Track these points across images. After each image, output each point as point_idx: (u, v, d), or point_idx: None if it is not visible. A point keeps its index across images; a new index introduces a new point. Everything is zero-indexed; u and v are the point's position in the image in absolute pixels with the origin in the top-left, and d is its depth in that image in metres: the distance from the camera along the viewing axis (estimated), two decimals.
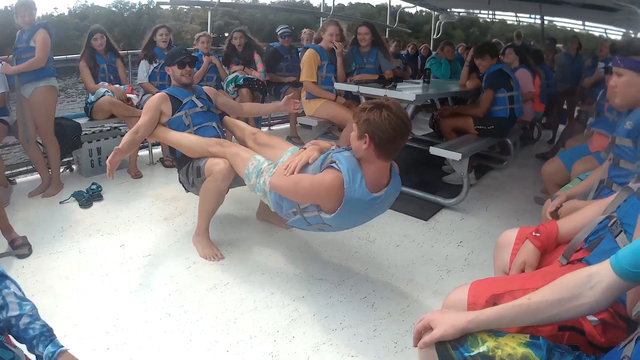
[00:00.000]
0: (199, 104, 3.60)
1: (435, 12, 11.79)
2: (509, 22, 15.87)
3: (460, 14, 12.79)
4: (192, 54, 3.73)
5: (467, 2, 11.06)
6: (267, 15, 27.56)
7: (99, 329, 2.56)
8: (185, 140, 3.41)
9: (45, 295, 2.86)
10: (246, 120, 4.33)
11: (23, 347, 1.58)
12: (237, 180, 3.30)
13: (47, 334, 1.55)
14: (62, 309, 2.73)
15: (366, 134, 2.29)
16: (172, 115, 3.51)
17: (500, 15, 13.25)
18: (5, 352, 1.46)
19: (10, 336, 1.58)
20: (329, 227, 2.65)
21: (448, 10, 11.68)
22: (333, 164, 2.43)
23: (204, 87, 3.88)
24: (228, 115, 3.86)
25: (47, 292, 2.91)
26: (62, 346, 1.55)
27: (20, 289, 1.58)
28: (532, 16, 11.46)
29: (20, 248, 3.40)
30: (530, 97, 5.77)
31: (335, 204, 2.39)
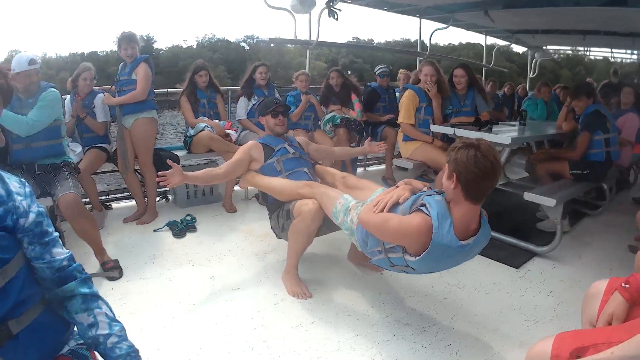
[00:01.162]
0: (291, 150, 3.68)
1: (531, 50, 11.54)
2: (612, 59, 15.26)
3: (557, 51, 12.46)
4: (285, 103, 3.86)
5: (562, 39, 10.79)
6: (385, 55, 27.84)
7: (182, 355, 2.62)
8: (276, 183, 3.48)
9: (131, 318, 2.95)
10: (342, 162, 4.36)
11: None
12: (328, 226, 3.30)
13: (133, 355, 1.60)
14: (147, 333, 2.81)
15: (454, 174, 2.25)
16: (265, 162, 3.60)
17: (597, 52, 12.86)
18: None
19: (96, 352, 1.63)
20: (412, 270, 2.59)
21: (544, 47, 11.42)
22: (423, 207, 2.39)
23: (297, 138, 3.97)
24: (320, 164, 3.92)
25: (133, 315, 3.01)
26: None
27: (111, 310, 1.63)
28: (629, 52, 11.06)
29: (112, 270, 3.55)
30: (630, 144, 5.53)
31: (422, 247, 2.34)
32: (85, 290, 1.56)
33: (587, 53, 13.08)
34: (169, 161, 3.23)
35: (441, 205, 2.35)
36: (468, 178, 2.22)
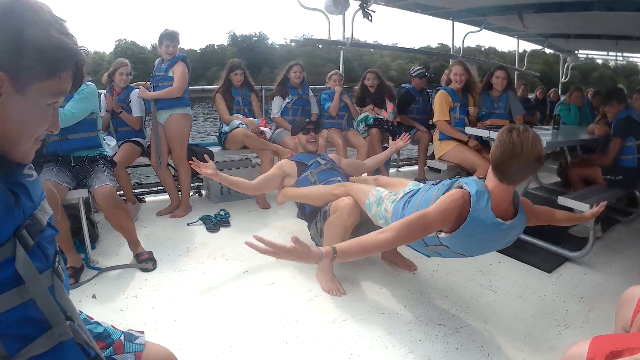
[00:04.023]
0: (323, 162, 3.78)
1: (563, 54, 11.44)
2: None
3: (588, 55, 12.32)
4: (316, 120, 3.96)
5: (594, 44, 10.67)
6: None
7: (215, 347, 2.65)
8: (311, 190, 3.57)
9: (165, 309, 3.03)
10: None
11: None
12: (366, 226, 3.27)
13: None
14: (181, 325, 2.86)
15: (492, 155, 2.31)
16: (299, 177, 3.69)
17: (630, 57, 12.71)
18: (97, 327, 1.49)
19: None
20: (446, 250, 2.57)
21: (575, 52, 11.30)
22: (460, 189, 2.42)
23: (329, 155, 4.07)
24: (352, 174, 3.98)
25: (167, 306, 3.07)
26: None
27: None
28: None
29: (146, 262, 3.61)
30: None
31: (457, 222, 2.34)
32: None
33: (619, 58, 12.90)
34: (206, 156, 3.30)
35: (479, 183, 2.38)
36: (497, 157, 2.26)
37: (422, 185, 3.08)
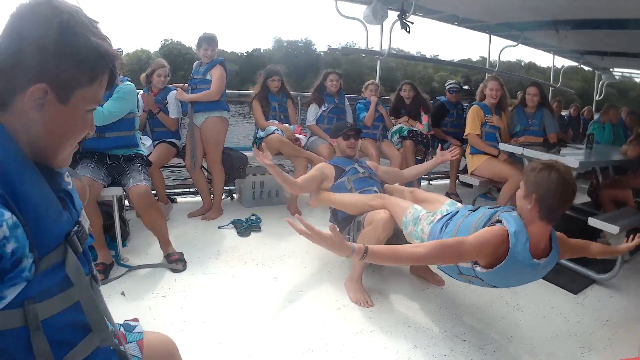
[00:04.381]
0: (361, 170, 3.78)
1: (598, 72, 11.31)
2: None
3: (623, 74, 12.14)
4: (357, 127, 3.97)
5: (630, 62, 10.53)
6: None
7: (242, 352, 2.69)
8: (347, 197, 3.57)
9: (193, 311, 3.08)
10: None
11: None
12: (399, 239, 3.35)
13: None
14: (208, 327, 2.91)
15: (533, 194, 2.30)
16: (335, 182, 3.70)
17: None
18: None
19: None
20: (479, 282, 2.61)
21: (610, 70, 11.17)
22: (499, 223, 2.44)
23: (367, 162, 4.06)
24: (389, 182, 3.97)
25: (195, 307, 3.13)
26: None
27: None
28: None
29: (176, 263, 3.67)
30: None
31: (494, 260, 2.37)
32: None
33: None
34: (263, 145, 3.34)
35: (518, 222, 2.38)
36: (549, 200, 2.27)
37: (459, 206, 3.11)
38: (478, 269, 2.47)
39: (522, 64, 60.76)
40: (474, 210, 2.79)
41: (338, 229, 3.72)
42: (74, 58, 1.02)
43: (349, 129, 3.92)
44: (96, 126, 3.63)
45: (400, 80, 6.67)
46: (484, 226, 2.50)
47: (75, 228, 1.12)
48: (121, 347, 1.33)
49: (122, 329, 1.50)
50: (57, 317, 1.07)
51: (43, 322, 1.03)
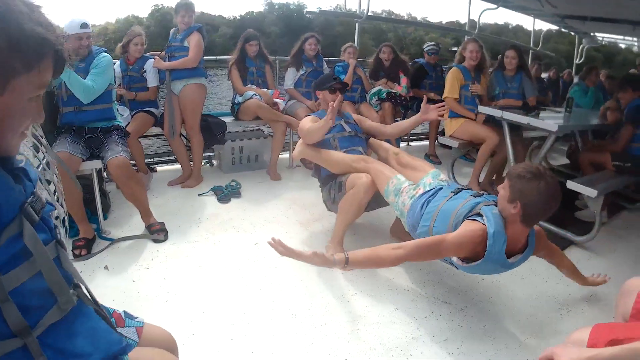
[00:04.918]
0: (347, 129, 3.72)
1: (579, 36, 11.32)
2: None
3: (604, 39, 12.17)
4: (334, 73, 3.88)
5: (612, 28, 10.54)
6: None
7: (225, 319, 2.72)
8: (332, 155, 3.52)
9: (176, 280, 3.09)
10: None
11: None
12: (377, 201, 3.37)
13: None
14: (192, 296, 2.93)
15: (518, 201, 2.34)
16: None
17: None
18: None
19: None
20: (454, 267, 2.71)
21: (592, 34, 11.18)
22: (479, 218, 2.47)
23: (352, 115, 3.98)
24: (373, 137, 3.92)
25: (179, 277, 3.13)
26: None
27: None
28: None
29: (158, 233, 3.65)
30: None
31: (471, 255, 2.45)
32: None
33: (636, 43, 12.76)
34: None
35: (498, 222, 2.42)
36: (534, 209, 2.34)
37: (442, 179, 3.14)
38: (455, 259, 2.55)
39: (510, 27, 60.71)
40: (457, 193, 2.84)
41: (320, 185, 3.73)
42: (7, 47, 0.97)
43: (335, 82, 3.82)
44: (75, 100, 3.54)
45: (392, 42, 6.62)
46: (464, 218, 2.55)
47: (30, 199, 1.11)
48: (118, 328, 1.37)
49: (122, 313, 1.53)
50: (25, 285, 1.07)
51: (12, 292, 1.03)
